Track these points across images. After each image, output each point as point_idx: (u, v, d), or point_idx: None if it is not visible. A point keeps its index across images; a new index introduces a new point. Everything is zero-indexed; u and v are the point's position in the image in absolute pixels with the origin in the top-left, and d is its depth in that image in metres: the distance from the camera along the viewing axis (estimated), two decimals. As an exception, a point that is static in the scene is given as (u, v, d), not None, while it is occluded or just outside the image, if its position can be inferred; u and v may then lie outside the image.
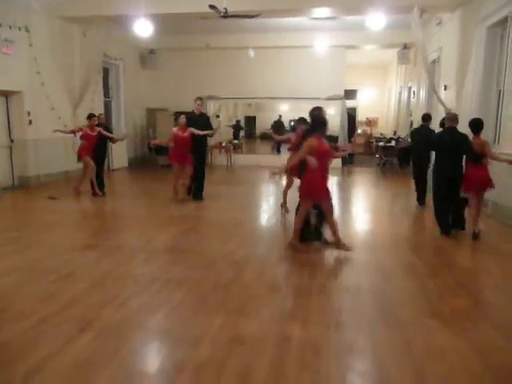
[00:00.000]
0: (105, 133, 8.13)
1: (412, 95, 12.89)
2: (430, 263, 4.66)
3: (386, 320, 3.25)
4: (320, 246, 5.10)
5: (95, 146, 7.94)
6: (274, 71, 13.54)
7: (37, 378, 2.48)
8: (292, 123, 17.68)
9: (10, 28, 8.29)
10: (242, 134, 17.81)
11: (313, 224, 5.19)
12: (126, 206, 7.79)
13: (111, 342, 2.87)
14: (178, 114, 12.87)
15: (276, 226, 6.35)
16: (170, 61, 13.74)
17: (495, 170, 5.99)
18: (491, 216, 6.60)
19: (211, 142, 11.78)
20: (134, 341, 2.93)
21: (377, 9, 8.58)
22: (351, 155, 13.11)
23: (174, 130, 7.35)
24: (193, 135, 7.32)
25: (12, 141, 8.99)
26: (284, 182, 6.89)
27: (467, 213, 5.78)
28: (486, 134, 6.51)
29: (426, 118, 7.78)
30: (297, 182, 6.72)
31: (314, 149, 4.53)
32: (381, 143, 13.60)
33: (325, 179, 4.77)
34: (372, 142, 16.51)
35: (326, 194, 4.75)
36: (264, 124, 19.62)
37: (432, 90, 9.41)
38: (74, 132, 8.14)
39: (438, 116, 8.29)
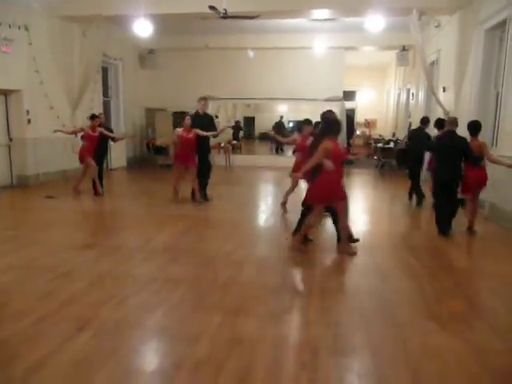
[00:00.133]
0: (106, 133, 8.14)
1: (411, 97, 12.93)
2: (428, 265, 4.67)
3: (384, 321, 3.27)
4: (320, 246, 5.12)
5: (96, 146, 7.94)
6: (273, 72, 13.57)
7: (36, 376, 2.48)
8: (291, 124, 17.71)
9: (10, 27, 8.29)
10: (241, 134, 17.84)
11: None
12: (125, 205, 7.79)
13: (109, 341, 2.88)
14: (176, 114, 13.01)
15: (274, 226, 6.36)
16: (170, 61, 13.75)
17: (494, 173, 6.04)
18: (488, 218, 6.62)
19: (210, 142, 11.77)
20: (132, 339, 2.93)
21: (376, 11, 8.61)
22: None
23: (179, 130, 7.30)
24: (197, 136, 7.31)
25: (11, 139, 8.99)
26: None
27: (462, 213, 5.87)
28: (485, 136, 6.54)
29: (424, 121, 7.99)
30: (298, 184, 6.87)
31: (330, 151, 4.54)
32: (379, 144, 13.63)
33: (340, 181, 4.79)
34: (371, 144, 16.54)
35: (342, 195, 4.77)
36: (263, 124, 19.65)
37: (431, 92, 9.45)
38: (75, 132, 8.12)
39: (436, 118, 8.31)
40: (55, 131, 8.10)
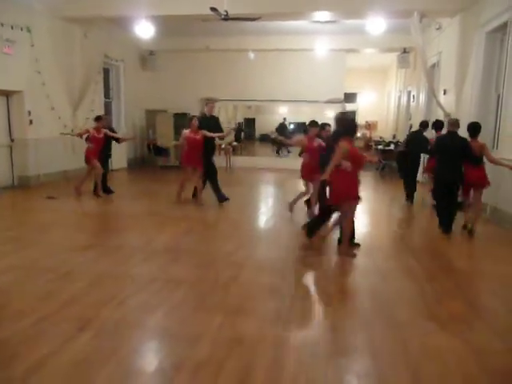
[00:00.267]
0: (111, 134, 8.15)
1: (411, 99, 12.94)
2: (428, 266, 4.68)
3: (384, 321, 3.27)
4: (320, 247, 5.12)
5: (102, 148, 7.95)
6: (273, 74, 13.58)
7: (36, 376, 2.49)
8: (291, 126, 17.72)
9: (12, 28, 8.30)
10: (242, 135, 17.85)
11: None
12: (126, 206, 7.79)
13: (110, 341, 2.88)
14: (177, 116, 13.03)
15: (275, 227, 6.37)
16: (171, 62, 13.78)
17: (494, 175, 6.06)
18: (490, 221, 6.63)
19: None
20: (132, 340, 2.93)
21: (377, 13, 8.63)
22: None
23: (186, 132, 7.29)
24: (204, 137, 7.31)
25: (12, 140, 8.99)
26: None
27: (462, 215, 5.98)
28: (485, 139, 6.56)
29: (424, 124, 8.12)
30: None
31: (348, 152, 4.56)
32: (380, 146, 13.63)
33: (357, 181, 4.80)
34: (371, 146, 16.52)
35: (356, 195, 4.77)
36: (263, 126, 19.64)
37: (431, 94, 9.46)
38: (81, 135, 8.10)
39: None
40: (61, 134, 8.06)
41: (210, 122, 7.54)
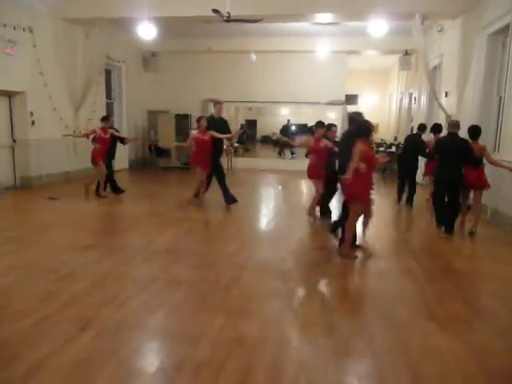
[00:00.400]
0: (117, 134, 8.17)
1: (413, 101, 12.94)
2: (428, 267, 4.67)
3: (384, 322, 3.27)
4: (321, 249, 5.12)
5: (108, 148, 7.97)
6: (275, 75, 13.60)
7: (36, 376, 2.49)
8: (293, 127, 17.71)
9: (14, 29, 8.33)
10: (245, 137, 17.87)
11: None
12: (127, 207, 7.81)
13: (111, 342, 2.88)
14: (179, 117, 13.06)
15: (276, 229, 6.37)
16: (172, 64, 13.81)
17: (495, 178, 6.06)
18: (490, 223, 6.62)
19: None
20: (133, 340, 2.94)
21: (378, 15, 8.63)
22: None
23: (194, 132, 7.29)
24: (213, 138, 7.29)
25: (14, 141, 9.01)
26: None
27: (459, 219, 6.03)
28: (487, 141, 6.57)
29: (421, 127, 8.19)
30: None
31: (365, 153, 4.57)
32: (381, 148, 13.62)
33: (371, 182, 4.82)
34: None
35: (367, 197, 4.80)
36: (265, 127, 19.67)
37: (433, 96, 9.46)
38: (87, 135, 8.09)
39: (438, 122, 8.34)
40: (64, 135, 8.05)
41: (219, 124, 7.50)
